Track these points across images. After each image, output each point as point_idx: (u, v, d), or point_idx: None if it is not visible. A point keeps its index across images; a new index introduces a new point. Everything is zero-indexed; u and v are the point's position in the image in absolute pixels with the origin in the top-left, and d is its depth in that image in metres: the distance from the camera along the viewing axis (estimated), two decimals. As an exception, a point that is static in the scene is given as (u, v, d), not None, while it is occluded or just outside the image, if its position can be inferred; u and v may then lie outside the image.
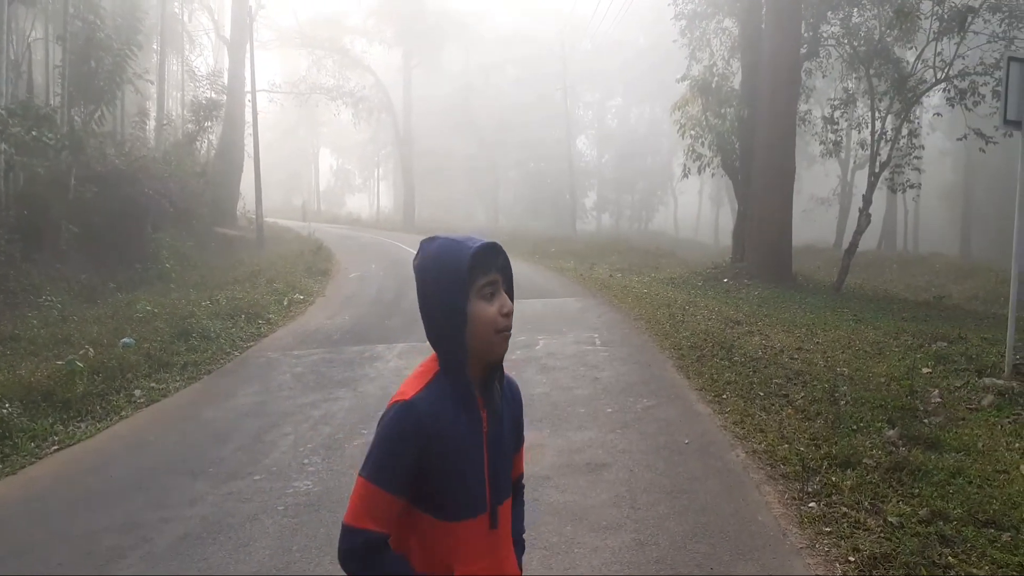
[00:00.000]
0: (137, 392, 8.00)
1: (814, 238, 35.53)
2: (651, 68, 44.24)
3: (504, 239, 31.67)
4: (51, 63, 17.26)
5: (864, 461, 5.17)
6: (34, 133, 12.85)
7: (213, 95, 27.33)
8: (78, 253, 14.40)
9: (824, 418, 6.30)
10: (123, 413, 7.32)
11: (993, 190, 38.42)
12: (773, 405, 6.79)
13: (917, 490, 4.67)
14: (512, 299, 1.80)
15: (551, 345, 9.81)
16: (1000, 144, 16.38)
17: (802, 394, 7.09)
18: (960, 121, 21.08)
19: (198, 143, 25.67)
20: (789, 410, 6.60)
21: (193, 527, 4.59)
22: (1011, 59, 8.04)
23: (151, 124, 24.69)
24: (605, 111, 59.39)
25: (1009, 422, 6.60)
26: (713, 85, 19.41)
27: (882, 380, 7.82)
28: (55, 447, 6.31)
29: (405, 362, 9.02)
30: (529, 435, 2.57)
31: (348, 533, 1.68)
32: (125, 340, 9.77)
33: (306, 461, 5.72)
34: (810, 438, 5.78)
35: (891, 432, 5.91)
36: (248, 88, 27.63)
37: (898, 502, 4.51)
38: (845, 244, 20.58)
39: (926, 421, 6.33)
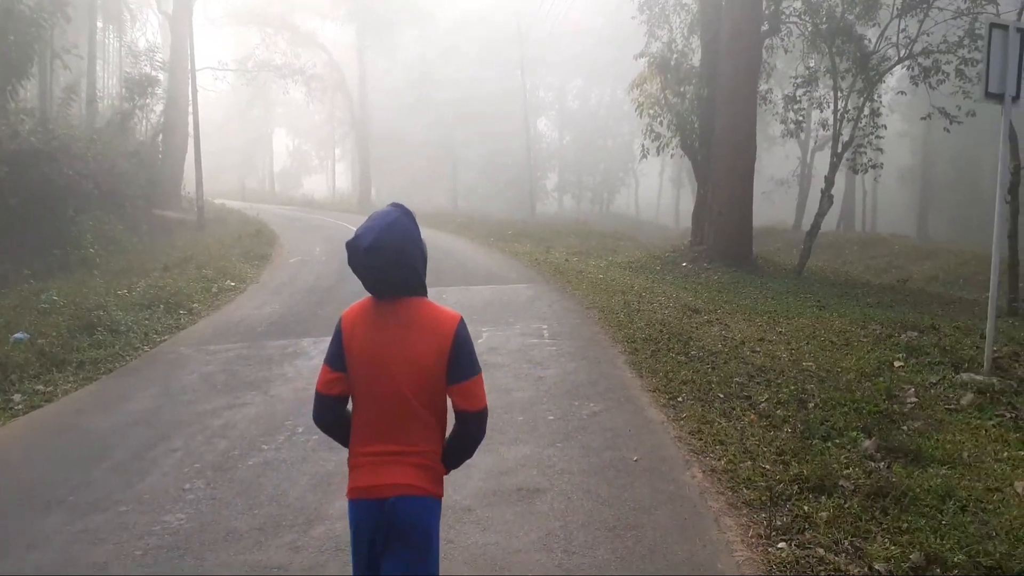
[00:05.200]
0: (17, 397, 7.02)
1: (773, 220, 35.17)
2: (611, 49, 43.38)
3: (461, 222, 30.90)
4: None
5: (840, 484, 4.41)
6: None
7: (151, 71, 25.93)
8: (-14, 238, 13.23)
9: (792, 425, 5.55)
10: (-6, 423, 6.34)
11: (950, 171, 38.44)
12: (734, 409, 6.02)
13: (905, 523, 3.92)
14: None
15: (495, 338, 8.97)
16: (961, 125, 15.95)
17: (766, 396, 6.34)
18: (919, 102, 20.71)
19: (134, 122, 24.29)
20: (752, 416, 5.85)
21: (21, 583, 3.70)
22: (993, 25, 7.33)
23: (82, 102, 23.24)
24: (566, 92, 58.42)
25: (993, 425, 5.94)
26: (672, 63, 18.66)
27: (851, 376, 7.13)
28: None
29: (330, 359, 8.11)
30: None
31: (486, 410, 2.43)
32: (17, 335, 8.73)
33: (187, 486, 4.81)
34: (777, 452, 5.01)
35: (868, 443, 5.18)
36: (193, 66, 26.19)
37: (884, 541, 3.75)
38: (805, 225, 20.04)
39: (904, 427, 5.62)
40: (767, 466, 4.77)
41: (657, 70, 18.69)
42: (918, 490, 4.31)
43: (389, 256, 2.29)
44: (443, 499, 2.49)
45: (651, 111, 19.01)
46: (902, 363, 7.82)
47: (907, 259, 24.78)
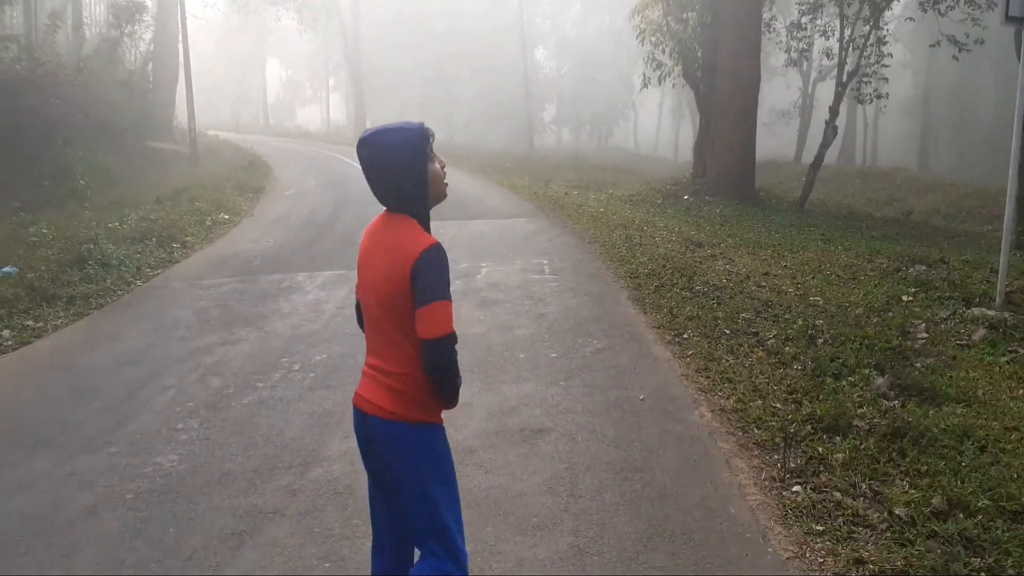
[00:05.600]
0: (5, 333, 6.83)
1: (774, 152, 34.66)
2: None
3: (459, 155, 30.36)
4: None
5: (855, 424, 4.27)
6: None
7: (137, -3, 25.09)
8: (-29, 169, 12.90)
9: (801, 363, 5.39)
10: (-19, 360, 6.17)
11: (951, 104, 37.81)
12: (741, 346, 5.86)
13: (924, 465, 3.78)
14: None
15: (495, 274, 8.77)
16: (969, 53, 15.55)
17: (774, 332, 6.17)
18: (922, 31, 20.08)
19: (122, 50, 23.60)
20: (760, 352, 5.69)
21: (5, 529, 3.55)
22: (1018, -57, 6.93)
23: (68, 28, 22.51)
24: (563, 20, 56.94)
25: (1007, 362, 5.80)
26: (675, -12, 18.02)
27: (860, 311, 6.97)
28: None
29: (327, 293, 7.92)
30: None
31: (449, 338, 2.22)
32: (5, 269, 8.53)
33: (180, 426, 4.67)
34: (787, 391, 4.86)
35: (880, 380, 5.04)
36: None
37: (903, 483, 3.62)
38: (806, 158, 19.61)
39: (917, 364, 5.47)
40: (778, 405, 4.63)
41: (659, -5, 18.08)
42: (935, 430, 4.17)
43: (371, 155, 2.26)
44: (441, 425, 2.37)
45: (653, 39, 18.42)
46: (911, 298, 7.66)
47: (909, 192, 24.44)
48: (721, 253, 9.82)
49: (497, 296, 7.70)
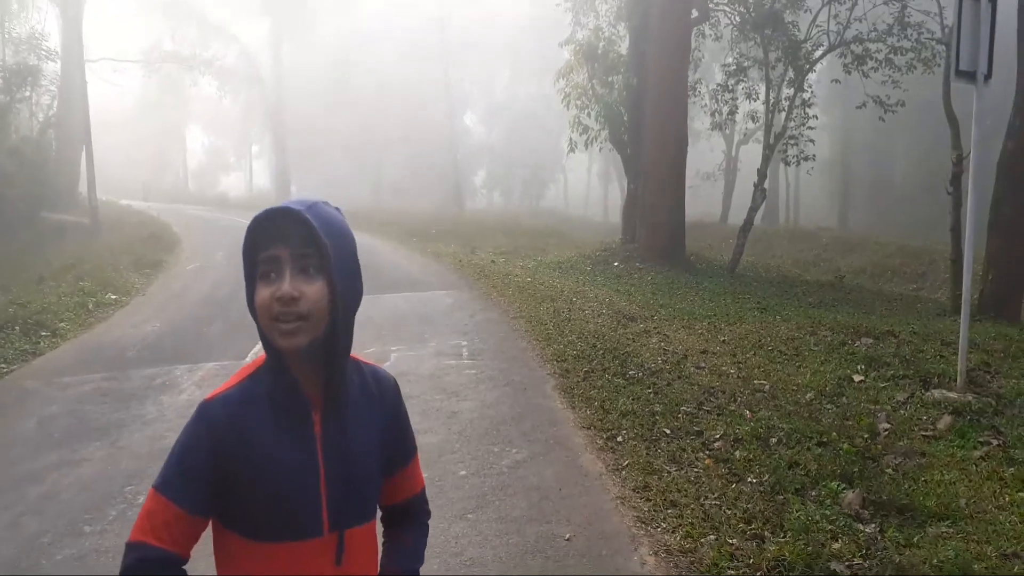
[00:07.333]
0: None
1: (701, 212, 34.75)
2: (538, 39, 42.46)
3: (383, 220, 29.43)
4: None
5: (833, 568, 3.40)
6: None
7: (36, 61, 23.82)
8: None
9: (756, 474, 4.53)
10: None
11: (867, 164, 38.84)
12: (685, 451, 4.97)
13: (931, 637, 2.93)
14: (334, 277, 1.41)
15: (405, 360, 7.77)
16: (894, 113, 15.55)
17: (720, 430, 5.32)
18: (837, 94, 20.29)
19: (11, 117, 22.18)
20: (707, 460, 4.81)
21: None
22: (962, -6, 6.47)
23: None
24: (493, 84, 57.29)
25: (980, 456, 5.07)
26: (599, 51, 17.74)
27: (811, 396, 6.23)
28: None
29: (203, 393, 6.78)
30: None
31: (127, 550, 1.38)
32: None
33: (-42, 603, 3.53)
34: (744, 517, 3.97)
35: (851, 496, 4.20)
36: (88, 57, 24.19)
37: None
38: (731, 219, 19.31)
39: (887, 470, 4.68)
40: (735, 541, 3.71)
41: (584, 59, 17.74)
42: (929, 572, 3.32)
43: None
44: None
45: (578, 102, 18.04)
46: (863, 377, 6.97)
47: (835, 252, 24.52)
48: (655, 328, 9.05)
49: (405, 390, 6.66)
